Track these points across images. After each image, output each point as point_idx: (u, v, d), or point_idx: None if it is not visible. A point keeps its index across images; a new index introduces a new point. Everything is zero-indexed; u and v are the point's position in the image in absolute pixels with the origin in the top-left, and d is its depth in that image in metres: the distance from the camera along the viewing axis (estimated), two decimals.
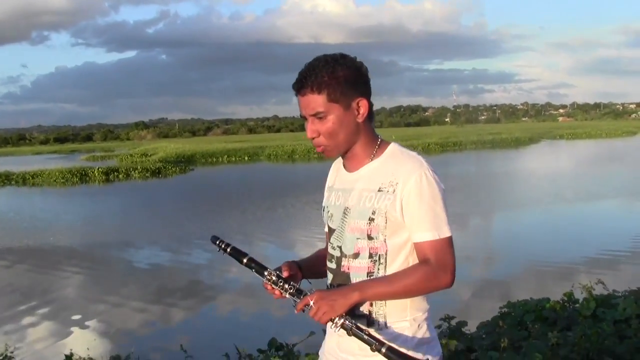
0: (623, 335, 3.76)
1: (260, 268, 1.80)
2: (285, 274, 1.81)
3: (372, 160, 1.80)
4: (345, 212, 1.80)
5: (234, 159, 42.53)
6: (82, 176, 29.88)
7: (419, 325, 1.76)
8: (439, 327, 4.16)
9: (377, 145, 1.80)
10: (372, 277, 1.74)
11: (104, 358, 4.53)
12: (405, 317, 1.75)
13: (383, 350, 1.61)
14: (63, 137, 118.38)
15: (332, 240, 1.85)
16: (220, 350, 4.08)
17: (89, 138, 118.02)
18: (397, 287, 1.68)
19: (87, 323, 7.54)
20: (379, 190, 1.73)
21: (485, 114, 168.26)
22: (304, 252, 8.16)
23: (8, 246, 13.16)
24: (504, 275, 8.75)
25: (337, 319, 1.65)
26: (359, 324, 1.66)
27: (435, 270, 1.67)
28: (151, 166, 32.82)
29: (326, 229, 1.89)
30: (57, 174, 30.09)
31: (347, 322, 1.65)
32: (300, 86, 1.74)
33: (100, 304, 8.44)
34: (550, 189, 18.38)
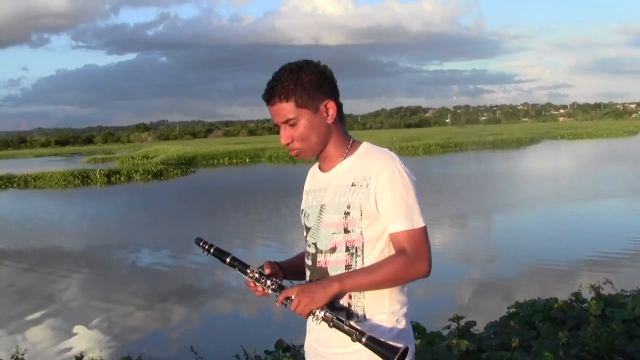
0: (633, 334, 3.77)
1: (242, 266, 1.86)
2: (267, 272, 1.86)
3: (344, 158, 1.85)
4: (322, 209, 1.85)
5: (235, 160, 42.53)
6: (84, 178, 29.90)
7: (397, 320, 1.80)
8: (447, 327, 4.17)
9: (349, 145, 1.86)
10: (350, 270, 1.78)
11: (114, 359, 4.53)
12: (383, 310, 1.78)
13: (364, 339, 1.65)
14: (64, 139, 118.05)
15: (308, 238, 1.90)
16: (227, 350, 4.09)
17: (89, 140, 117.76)
18: (376, 276, 1.72)
19: (93, 323, 7.56)
20: (352, 185, 1.79)
21: (485, 114, 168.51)
22: None
23: (12, 248, 13.20)
24: (507, 275, 8.74)
25: (317, 311, 1.69)
26: (339, 316, 1.70)
27: (412, 259, 1.71)
28: (153, 168, 32.82)
29: (305, 232, 1.94)
30: (58, 176, 30.11)
31: (327, 314, 1.69)
32: (269, 97, 1.80)
33: (105, 305, 8.45)
34: (553, 189, 18.38)
